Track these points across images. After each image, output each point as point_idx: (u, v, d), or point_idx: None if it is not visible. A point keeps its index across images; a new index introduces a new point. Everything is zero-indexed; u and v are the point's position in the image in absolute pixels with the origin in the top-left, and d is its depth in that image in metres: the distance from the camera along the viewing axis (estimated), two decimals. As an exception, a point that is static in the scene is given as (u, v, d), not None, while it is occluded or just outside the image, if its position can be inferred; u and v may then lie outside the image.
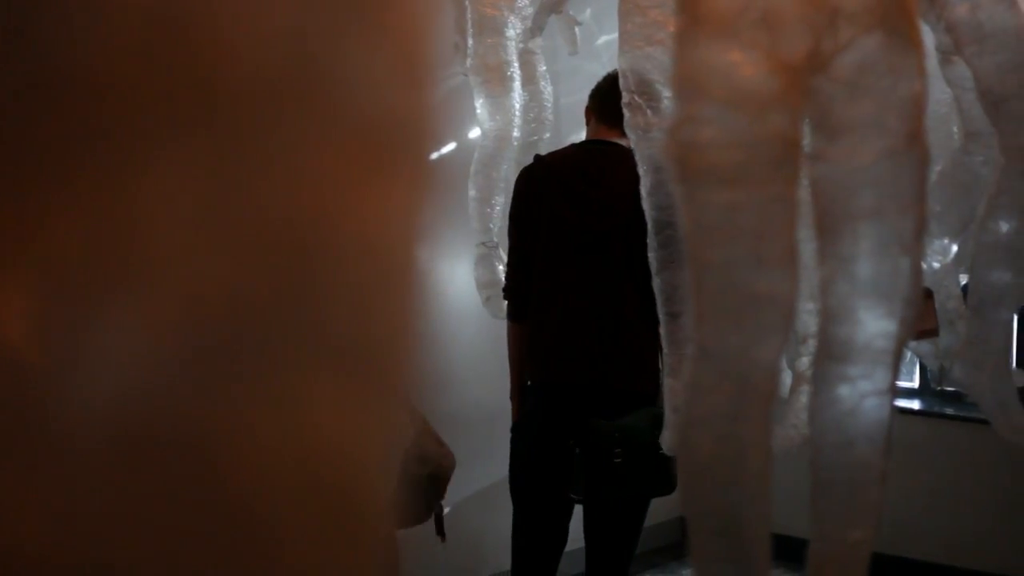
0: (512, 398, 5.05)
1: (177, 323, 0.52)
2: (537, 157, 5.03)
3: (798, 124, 1.96)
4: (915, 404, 7.35)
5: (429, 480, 4.03)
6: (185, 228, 0.52)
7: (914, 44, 2.09)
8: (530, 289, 4.88)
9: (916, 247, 2.10)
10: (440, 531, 4.21)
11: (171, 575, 0.53)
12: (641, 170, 3.55)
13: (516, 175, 5.33)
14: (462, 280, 5.66)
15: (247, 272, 0.53)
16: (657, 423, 4.00)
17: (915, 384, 7.48)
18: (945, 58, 4.16)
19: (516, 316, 4.98)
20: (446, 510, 4.31)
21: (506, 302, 5.05)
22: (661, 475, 4.49)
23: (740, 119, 1.85)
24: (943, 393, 7.27)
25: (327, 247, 0.56)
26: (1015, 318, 4.55)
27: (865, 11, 2.01)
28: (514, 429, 5.02)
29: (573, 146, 5.14)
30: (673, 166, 1.85)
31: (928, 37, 4.01)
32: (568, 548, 5.08)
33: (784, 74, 1.90)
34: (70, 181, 0.50)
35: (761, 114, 1.87)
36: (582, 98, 5.34)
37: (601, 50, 6.58)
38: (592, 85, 5.34)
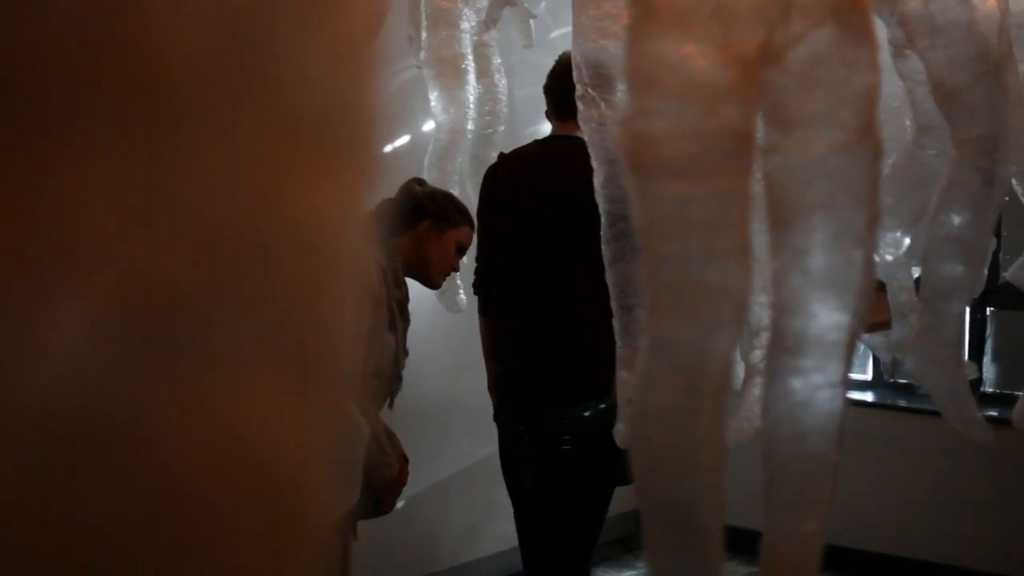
0: (489, 391, 5.12)
1: (111, 317, 0.51)
2: (500, 155, 5.05)
3: (751, 117, 1.97)
4: (868, 396, 7.38)
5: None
6: (120, 219, 0.51)
7: (867, 37, 2.10)
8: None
9: (868, 239, 2.11)
10: (352, 529, 4.19)
11: (104, 569, 0.52)
12: (594, 163, 3.55)
13: (470, 168, 5.35)
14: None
15: (183, 265, 0.52)
16: (611, 411, 4.02)
17: (868, 376, 7.51)
18: (898, 51, 4.17)
19: (486, 312, 5.15)
20: (400, 504, 4.31)
21: (477, 298, 5.10)
22: (615, 463, 4.50)
23: (693, 111, 1.85)
24: (896, 385, 7.31)
25: (266, 240, 0.55)
26: (967, 310, 4.58)
27: (818, 4, 2.01)
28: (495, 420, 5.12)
29: (535, 142, 5.16)
30: (626, 158, 1.85)
31: (881, 30, 4.03)
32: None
33: (737, 66, 1.90)
34: None
35: (714, 106, 1.87)
36: (537, 91, 5.32)
37: (556, 43, 6.57)
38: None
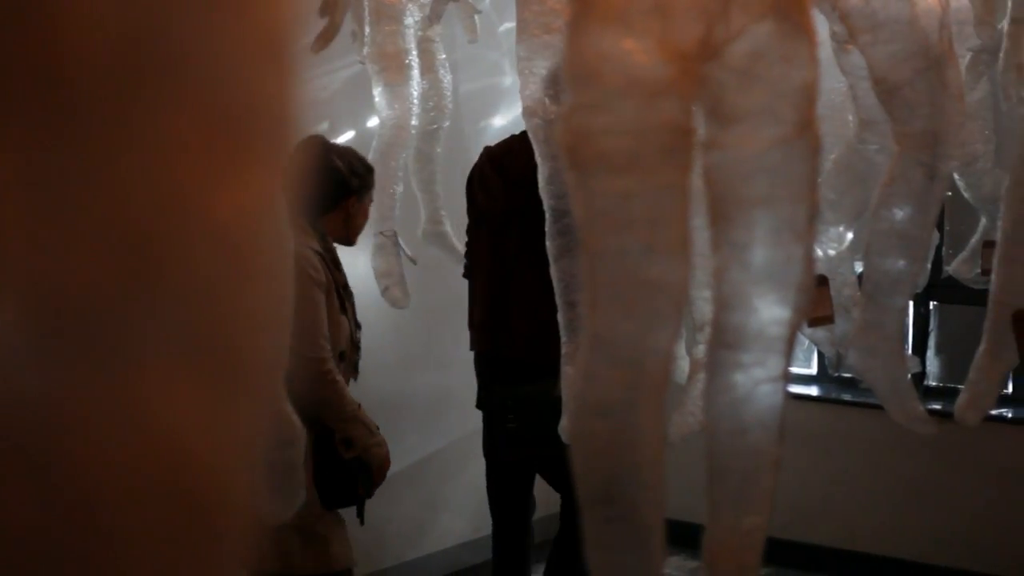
0: None
1: (19, 317, 0.50)
2: (484, 148, 5.22)
3: (691, 112, 1.97)
4: (813, 390, 7.42)
5: (357, 464, 4.28)
6: (26, 217, 0.50)
7: (806, 32, 2.10)
8: None
9: (808, 234, 2.11)
10: (360, 515, 4.44)
11: (19, 564, 0.51)
12: (538, 159, 3.56)
13: (415, 164, 5.42)
14: (362, 269, 5.65)
15: (96, 263, 0.52)
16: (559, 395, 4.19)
17: (813, 371, 7.55)
18: (840, 47, 4.19)
19: None
20: None
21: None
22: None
23: (632, 107, 1.85)
24: (840, 379, 7.35)
25: (182, 236, 0.54)
26: (909, 305, 4.60)
27: (757, 0, 2.02)
28: None
29: (511, 136, 5.25)
30: (565, 154, 1.85)
31: (822, 26, 4.05)
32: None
33: (677, 62, 1.90)
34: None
35: (654, 102, 1.87)
36: (482, 86, 5.33)
37: (501, 38, 6.56)
38: (491, 74, 5.35)
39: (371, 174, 4.66)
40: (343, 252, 4.55)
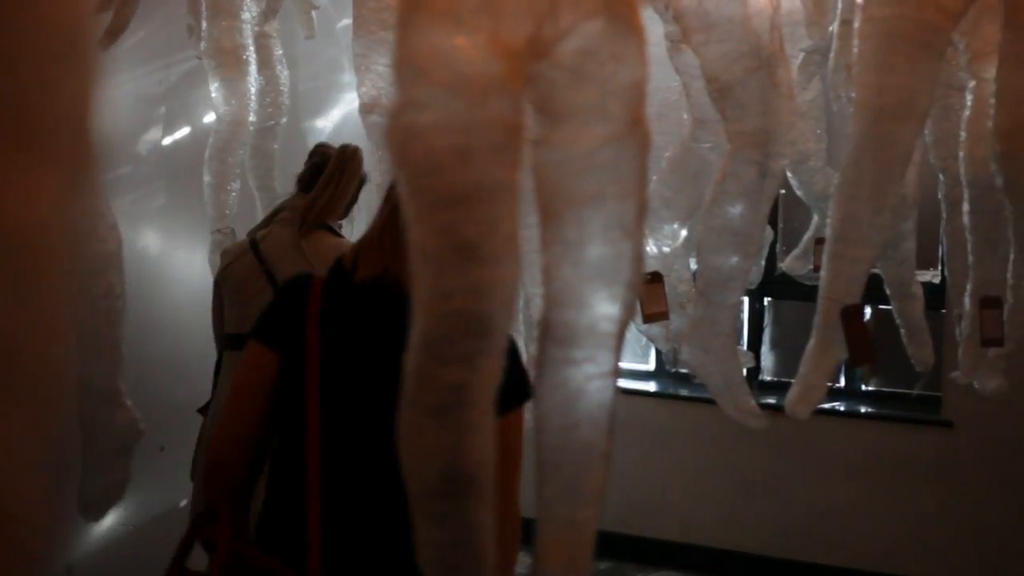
0: None
1: None
2: None
3: (520, 109, 1.97)
4: (650, 386, 7.50)
5: None
6: None
7: (635, 31, 2.12)
8: None
9: (637, 231, 2.13)
10: None
11: None
12: (376, 157, 3.57)
13: (251, 160, 5.36)
14: (199, 268, 5.58)
15: None
16: None
17: (650, 367, 7.64)
18: (674, 46, 4.25)
19: None
20: None
21: None
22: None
23: (461, 104, 1.84)
24: (677, 375, 7.44)
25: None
26: (743, 300, 4.68)
27: (587, -2, 2.03)
28: None
29: None
30: (394, 152, 1.84)
31: (657, 25, 4.11)
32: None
33: (506, 59, 1.91)
34: None
35: (483, 99, 1.87)
36: (320, 83, 5.28)
37: (339, 34, 6.52)
38: (330, 70, 5.32)
39: None
40: (181, 249, 4.49)
